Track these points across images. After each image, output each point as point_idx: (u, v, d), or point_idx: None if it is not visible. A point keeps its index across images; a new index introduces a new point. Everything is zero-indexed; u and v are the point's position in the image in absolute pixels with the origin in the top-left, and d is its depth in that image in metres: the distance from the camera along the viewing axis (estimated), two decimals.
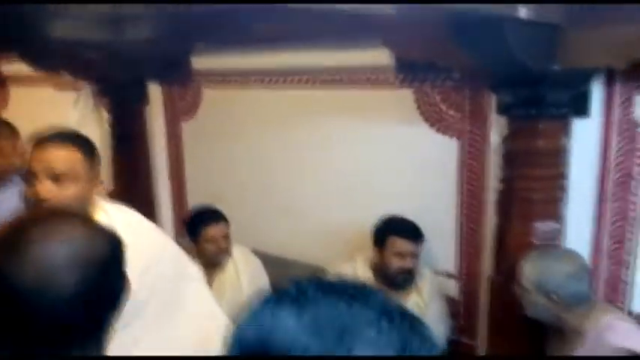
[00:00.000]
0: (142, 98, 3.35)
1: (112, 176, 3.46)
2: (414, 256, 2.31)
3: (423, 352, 0.58)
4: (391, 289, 2.33)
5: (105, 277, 0.92)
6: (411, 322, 0.60)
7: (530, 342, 2.02)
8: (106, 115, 3.44)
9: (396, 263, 2.28)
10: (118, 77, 3.14)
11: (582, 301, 1.74)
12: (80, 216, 1.07)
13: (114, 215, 1.48)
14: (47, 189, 1.40)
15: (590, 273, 1.80)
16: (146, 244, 1.46)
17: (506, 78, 1.95)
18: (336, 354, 0.54)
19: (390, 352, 0.56)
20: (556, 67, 1.81)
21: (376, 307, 0.58)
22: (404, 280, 2.30)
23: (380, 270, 2.35)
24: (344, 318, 0.56)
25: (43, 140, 1.44)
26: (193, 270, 1.69)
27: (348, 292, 0.59)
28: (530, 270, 1.78)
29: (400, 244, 2.28)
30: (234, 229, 2.67)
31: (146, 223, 1.61)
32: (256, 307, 0.61)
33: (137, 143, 3.38)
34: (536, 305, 1.78)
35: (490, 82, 2.06)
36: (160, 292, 1.48)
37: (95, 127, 3.52)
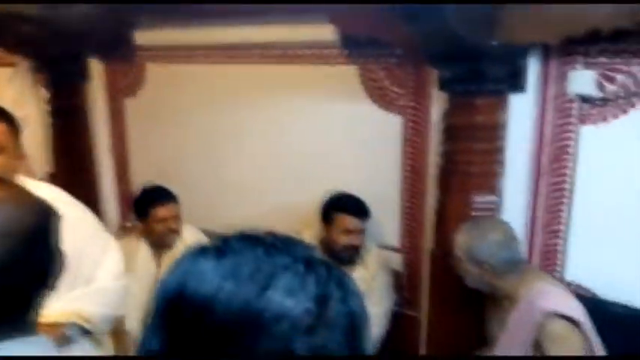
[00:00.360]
0: (82, 74, 3.24)
1: (51, 156, 3.35)
2: (361, 232, 2.33)
3: (346, 304, 0.60)
4: (337, 264, 2.35)
5: (33, 250, 0.87)
6: (335, 274, 0.61)
7: (470, 311, 2.08)
8: (44, 92, 3.31)
9: (343, 240, 2.30)
10: (56, 53, 3.03)
11: (513, 268, 1.80)
12: (11, 184, 1.02)
13: (34, 189, 1.46)
14: None
15: (518, 241, 1.86)
16: (67, 218, 1.49)
17: (445, 54, 1.98)
18: (252, 296, 0.56)
19: (308, 297, 0.57)
20: (493, 43, 1.85)
21: (295, 255, 0.59)
22: (350, 256, 2.33)
23: (327, 246, 2.37)
24: (261, 263, 0.58)
25: None
26: (113, 244, 1.74)
27: (269, 241, 0.61)
28: (462, 240, 1.84)
29: (347, 221, 2.30)
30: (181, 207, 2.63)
31: (67, 198, 1.63)
32: (180, 258, 0.63)
33: (77, 121, 3.27)
34: (471, 274, 1.83)
35: (431, 58, 2.09)
36: (82, 265, 1.53)
37: (33, 104, 3.39)
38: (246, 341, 0.55)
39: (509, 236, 1.83)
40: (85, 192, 3.34)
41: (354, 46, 2.38)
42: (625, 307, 1.98)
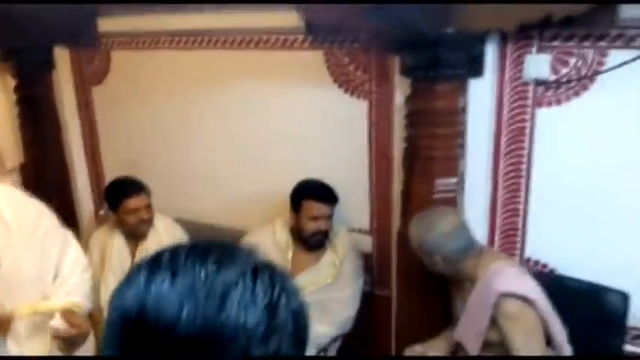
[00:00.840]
0: (48, 63, 3.20)
1: (21, 146, 3.33)
2: (328, 218, 2.38)
3: (290, 306, 0.64)
4: (308, 250, 2.42)
5: None
6: (277, 279, 0.65)
7: (436, 291, 2.16)
8: (11, 80, 3.27)
9: (310, 226, 2.36)
10: (21, 41, 2.99)
11: (465, 255, 1.87)
12: None
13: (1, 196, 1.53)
14: None
15: (467, 228, 1.92)
16: (23, 212, 1.58)
17: (406, 41, 2.01)
18: (211, 316, 0.59)
19: (258, 307, 0.61)
20: (451, 31, 1.89)
21: (242, 267, 0.63)
22: (319, 241, 2.39)
23: (297, 232, 2.43)
24: (213, 281, 0.61)
25: None
26: (70, 238, 1.82)
27: (216, 256, 0.64)
28: (413, 233, 1.91)
29: (314, 207, 2.35)
30: (152, 195, 2.66)
31: (21, 200, 1.70)
32: (133, 273, 0.65)
33: (45, 110, 3.23)
34: (428, 263, 1.90)
35: (392, 45, 2.12)
36: (46, 265, 1.60)
37: (0, 93, 3.35)
38: (206, 358, 0.59)
39: (456, 226, 1.88)
40: (57, 181, 3.35)
41: (319, 32, 2.40)
42: (581, 282, 2.08)
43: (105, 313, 1.96)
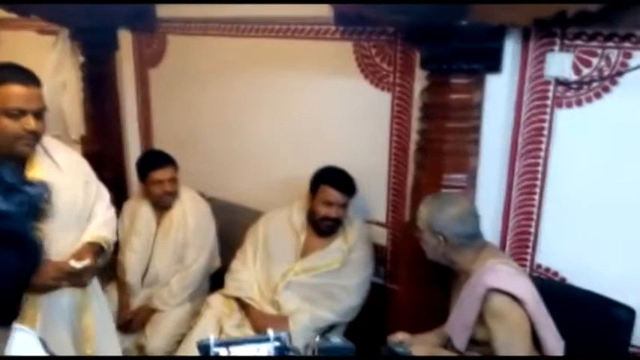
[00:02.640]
0: (112, 44, 3.45)
1: (84, 119, 3.61)
2: (341, 206, 2.41)
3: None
4: (319, 234, 2.46)
5: None
6: None
7: (441, 284, 2.13)
8: (81, 58, 3.55)
9: (322, 211, 2.40)
10: (88, 22, 3.24)
11: (468, 243, 1.83)
12: None
13: (49, 145, 1.75)
14: (37, 124, 1.63)
15: (477, 218, 1.87)
16: (69, 157, 1.84)
17: (423, 32, 2.01)
18: None
19: None
20: (465, 23, 1.87)
21: None
22: (328, 227, 2.43)
23: (311, 215, 2.47)
24: None
25: (13, 80, 1.59)
26: (106, 194, 2.00)
27: None
28: (423, 212, 1.88)
29: (329, 193, 2.39)
30: (191, 174, 2.79)
31: (67, 146, 1.94)
32: None
33: (107, 88, 3.49)
34: (429, 245, 1.88)
35: (411, 36, 2.12)
36: (85, 195, 1.82)
37: (71, 70, 3.65)
38: None
39: (467, 212, 1.85)
40: (113, 154, 3.59)
41: (348, 24, 2.44)
42: (589, 294, 1.98)
43: (128, 276, 2.31)
